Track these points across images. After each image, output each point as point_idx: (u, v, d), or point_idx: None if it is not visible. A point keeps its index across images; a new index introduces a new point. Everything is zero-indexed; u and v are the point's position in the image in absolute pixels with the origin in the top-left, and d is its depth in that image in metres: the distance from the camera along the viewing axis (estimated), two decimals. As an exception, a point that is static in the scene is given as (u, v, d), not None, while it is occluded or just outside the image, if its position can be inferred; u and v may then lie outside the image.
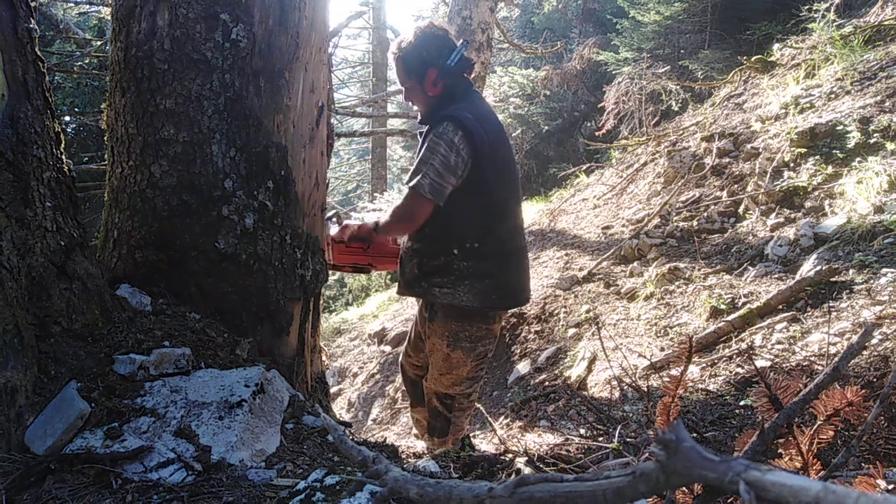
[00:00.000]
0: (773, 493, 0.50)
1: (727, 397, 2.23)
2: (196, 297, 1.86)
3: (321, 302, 2.39)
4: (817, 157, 3.98)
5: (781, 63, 5.99)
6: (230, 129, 1.83)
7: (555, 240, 5.82)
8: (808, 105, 4.66)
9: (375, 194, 10.99)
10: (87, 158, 7.62)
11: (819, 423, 0.99)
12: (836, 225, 3.22)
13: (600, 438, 2.15)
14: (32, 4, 1.59)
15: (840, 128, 3.97)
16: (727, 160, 4.90)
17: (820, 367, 2.13)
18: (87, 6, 7.67)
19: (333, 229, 2.40)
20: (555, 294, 4.36)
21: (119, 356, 1.55)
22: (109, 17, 2.21)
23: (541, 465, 1.63)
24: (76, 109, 8.03)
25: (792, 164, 4.12)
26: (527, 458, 1.65)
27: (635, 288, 3.85)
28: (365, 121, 11.60)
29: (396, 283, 2.41)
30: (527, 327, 4.27)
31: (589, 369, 3.22)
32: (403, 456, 1.96)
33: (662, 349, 2.98)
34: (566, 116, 11.02)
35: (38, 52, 1.56)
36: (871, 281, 2.57)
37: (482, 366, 2.27)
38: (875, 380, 1.89)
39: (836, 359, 0.95)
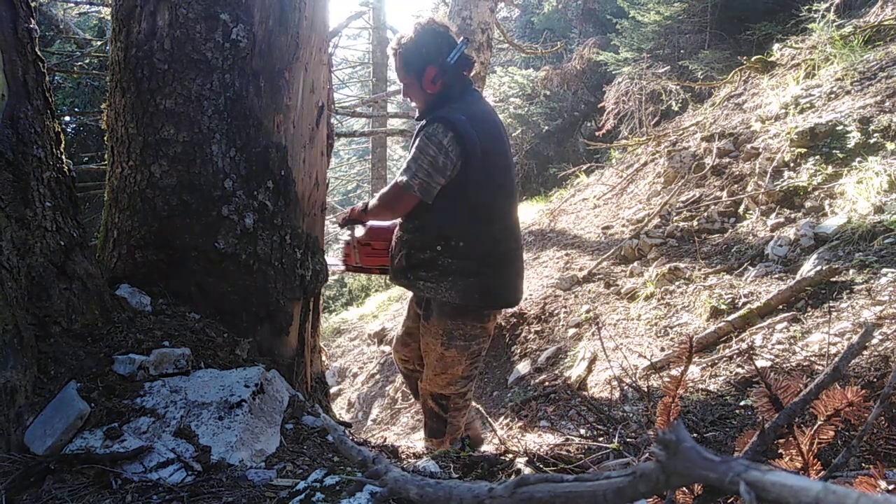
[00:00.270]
0: (773, 493, 0.50)
1: (727, 397, 2.23)
2: (196, 297, 1.86)
3: (321, 302, 2.39)
4: (817, 157, 3.98)
5: (781, 63, 5.99)
6: (230, 129, 1.84)
7: (555, 240, 5.82)
8: (808, 105, 4.66)
9: (375, 194, 10.96)
10: (87, 158, 7.60)
11: (819, 423, 0.99)
12: (836, 225, 3.22)
13: (600, 438, 2.15)
14: (32, 4, 1.59)
15: (840, 128, 3.97)
16: (727, 160, 4.89)
17: (820, 367, 2.13)
18: (87, 6, 7.66)
19: (359, 231, 2.40)
20: (555, 294, 4.36)
21: (119, 356, 1.55)
22: (109, 17, 2.21)
23: (541, 466, 1.63)
24: (76, 109, 8.03)
25: (792, 164, 4.12)
26: (527, 458, 1.65)
27: (635, 288, 3.84)
28: (365, 121, 11.60)
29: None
30: (527, 327, 4.27)
31: (589, 369, 3.21)
32: (403, 456, 1.96)
33: (663, 349, 2.98)
34: (566, 116, 11.02)
35: (39, 52, 1.56)
36: (872, 281, 2.57)
37: (476, 364, 2.27)
38: (875, 380, 1.89)
39: (837, 359, 0.95)
